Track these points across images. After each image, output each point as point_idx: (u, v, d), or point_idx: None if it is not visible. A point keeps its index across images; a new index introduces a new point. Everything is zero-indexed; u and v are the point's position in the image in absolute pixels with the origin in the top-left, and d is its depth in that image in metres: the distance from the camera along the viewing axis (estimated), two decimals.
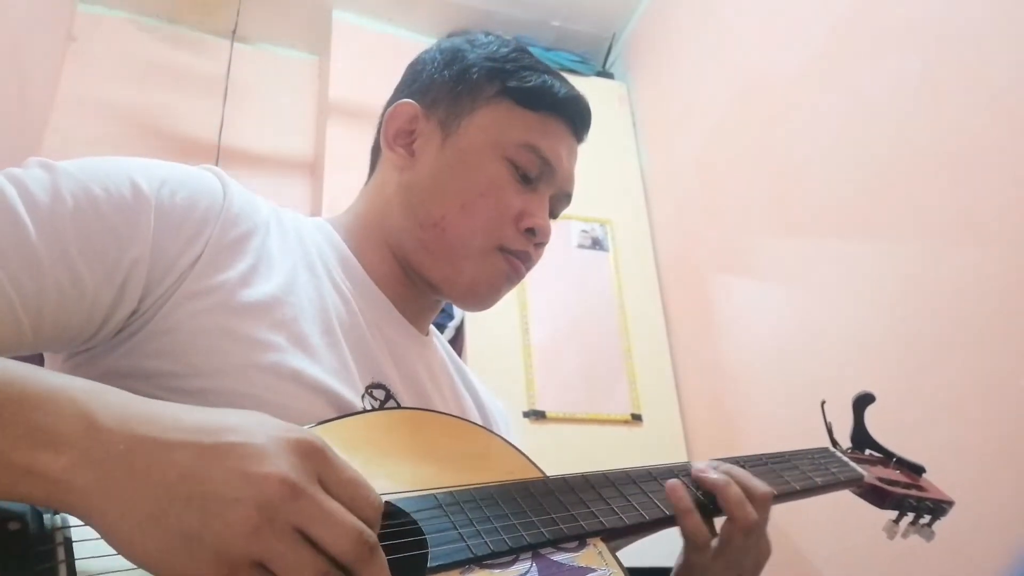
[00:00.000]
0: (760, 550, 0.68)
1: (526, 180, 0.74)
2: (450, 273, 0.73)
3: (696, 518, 0.64)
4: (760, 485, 0.68)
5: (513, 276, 0.75)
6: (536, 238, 0.74)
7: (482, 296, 0.75)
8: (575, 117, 0.78)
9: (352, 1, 2.84)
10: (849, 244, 1.82)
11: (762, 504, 0.66)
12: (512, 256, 0.74)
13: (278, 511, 0.37)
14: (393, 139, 0.77)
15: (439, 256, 0.73)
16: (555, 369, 2.33)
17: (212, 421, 0.40)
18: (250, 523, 0.36)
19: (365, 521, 0.40)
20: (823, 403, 0.91)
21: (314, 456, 0.40)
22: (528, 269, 0.77)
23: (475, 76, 0.76)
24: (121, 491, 0.36)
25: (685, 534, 0.64)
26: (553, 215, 0.79)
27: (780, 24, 2.18)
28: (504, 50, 0.77)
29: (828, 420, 0.91)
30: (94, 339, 0.56)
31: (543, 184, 0.75)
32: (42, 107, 2.42)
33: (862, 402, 0.93)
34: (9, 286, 0.48)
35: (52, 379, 0.39)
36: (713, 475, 0.67)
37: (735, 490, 0.66)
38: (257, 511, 0.36)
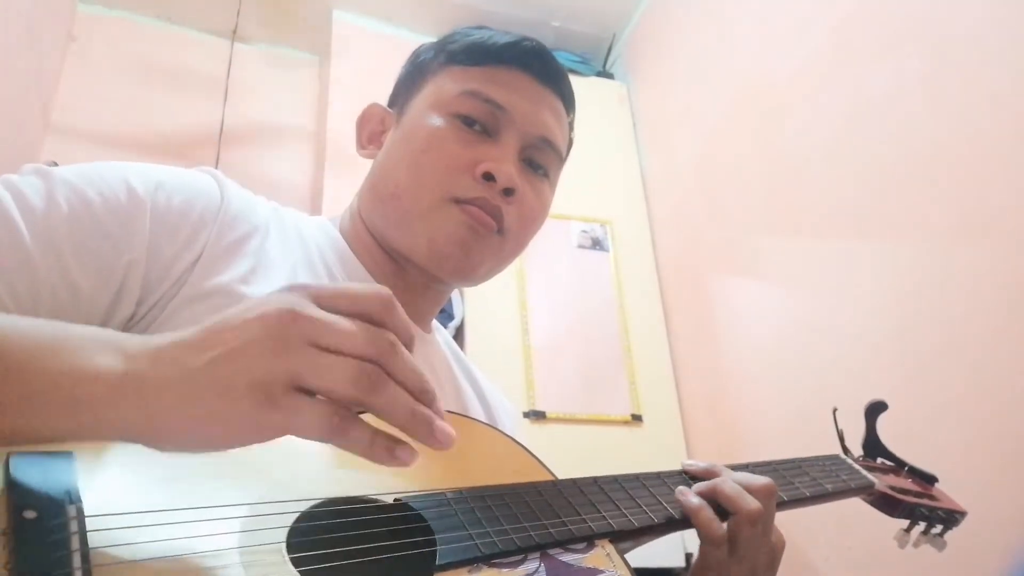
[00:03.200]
0: (772, 544, 0.67)
1: (484, 131, 0.71)
2: (409, 237, 0.70)
3: (707, 513, 0.64)
4: (756, 477, 0.68)
5: (478, 227, 0.69)
6: (498, 184, 0.68)
7: (450, 255, 0.69)
8: (528, 61, 0.73)
9: (352, 1, 2.84)
10: (849, 244, 1.83)
11: (762, 494, 0.66)
12: (470, 205, 0.68)
13: (287, 331, 0.38)
14: (367, 142, 0.79)
15: (399, 224, 0.71)
16: (555, 369, 2.34)
17: (219, 314, 0.42)
18: (268, 347, 0.38)
19: (377, 315, 0.41)
20: (835, 410, 0.89)
21: (299, 289, 0.42)
22: (500, 223, 0.70)
23: (422, 59, 0.78)
24: (156, 387, 0.38)
25: (699, 532, 0.64)
26: (535, 165, 0.74)
27: (780, 24, 2.19)
28: (456, 32, 0.78)
29: (840, 427, 0.90)
30: None
31: (505, 132, 0.71)
32: (42, 107, 2.42)
33: (874, 410, 0.92)
34: (4, 291, 0.49)
35: (80, 327, 0.42)
36: (705, 483, 0.67)
37: (729, 484, 0.65)
38: (270, 337, 0.38)
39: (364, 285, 0.43)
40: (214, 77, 2.78)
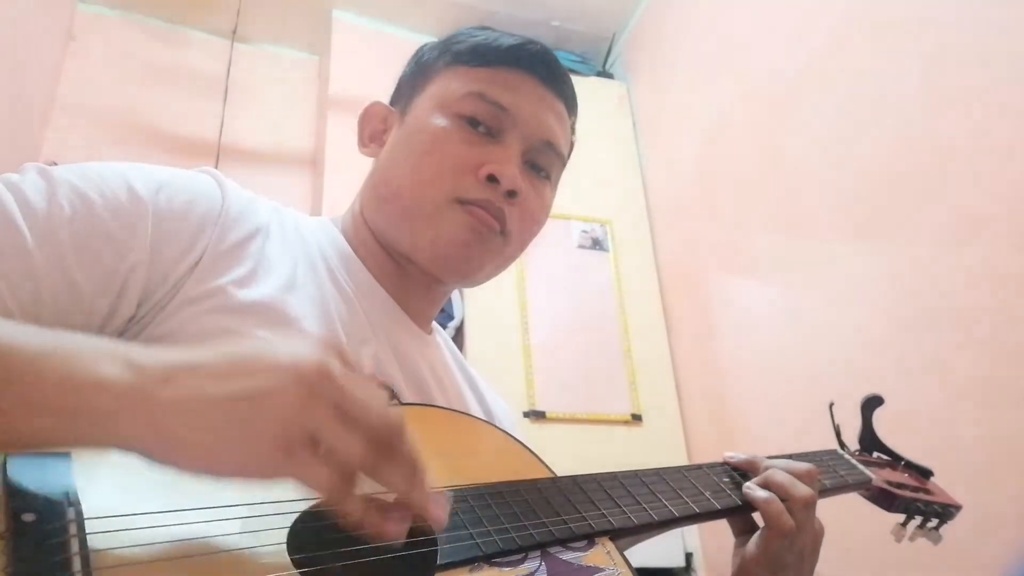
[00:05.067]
0: (815, 528, 0.70)
1: (488, 133, 0.71)
2: (413, 237, 0.70)
3: (777, 506, 0.67)
4: (799, 463, 0.71)
5: (481, 228, 0.69)
6: (502, 186, 0.68)
7: (452, 256, 0.69)
8: (533, 64, 0.73)
9: (352, 1, 2.84)
10: (849, 244, 1.83)
11: (808, 479, 0.69)
12: (472, 206, 0.68)
13: (321, 387, 0.39)
14: (369, 140, 0.79)
15: (402, 223, 0.70)
16: (555, 369, 2.34)
17: (235, 346, 0.42)
18: (299, 396, 0.38)
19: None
20: (831, 404, 0.90)
21: (336, 352, 0.42)
22: (503, 224, 0.70)
23: (426, 58, 0.77)
24: (169, 409, 0.38)
25: (770, 523, 0.67)
26: (537, 167, 0.74)
27: (780, 24, 2.19)
28: (460, 32, 0.77)
29: (836, 422, 0.90)
30: None
31: (509, 134, 0.71)
32: (42, 107, 2.42)
33: (870, 404, 0.93)
34: (7, 293, 0.48)
35: (80, 335, 0.41)
36: (751, 469, 0.71)
37: (781, 473, 0.69)
38: (303, 387, 0.39)
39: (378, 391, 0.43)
40: (214, 77, 2.78)
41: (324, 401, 0.39)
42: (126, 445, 0.38)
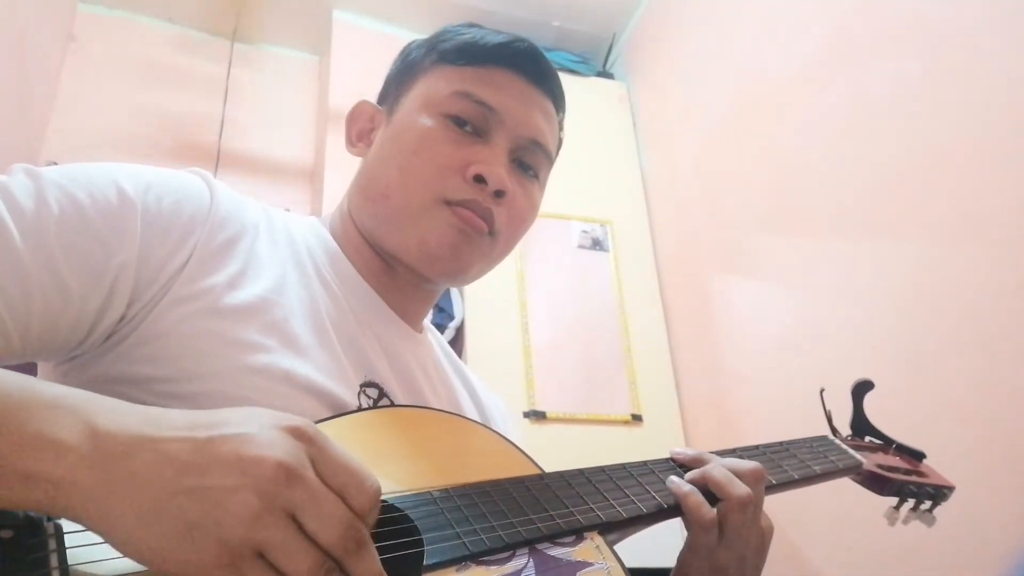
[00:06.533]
0: (761, 529, 0.68)
1: (475, 132, 0.71)
2: (400, 237, 0.70)
3: (696, 498, 0.64)
4: (744, 462, 0.68)
5: (467, 229, 0.69)
6: (489, 186, 0.68)
7: (440, 257, 0.69)
8: (520, 62, 0.73)
9: (352, 1, 2.84)
10: (849, 244, 1.82)
11: (751, 479, 0.67)
12: (459, 207, 0.68)
13: (275, 496, 0.37)
14: (357, 139, 0.79)
15: (389, 224, 0.70)
16: (555, 369, 2.33)
17: (206, 417, 0.41)
18: (250, 509, 0.37)
19: (359, 509, 0.40)
20: (822, 391, 0.90)
21: (307, 440, 0.40)
22: (491, 224, 0.70)
23: (412, 56, 0.78)
24: (122, 489, 0.37)
25: (689, 517, 0.64)
26: (525, 166, 0.74)
27: (780, 24, 2.18)
28: (447, 29, 0.77)
29: (827, 408, 0.90)
30: (83, 346, 0.55)
31: (496, 133, 0.71)
32: (42, 107, 2.42)
33: (861, 389, 0.92)
34: None
35: (49, 388, 0.40)
36: (696, 471, 0.68)
37: (719, 470, 0.66)
38: (256, 496, 0.37)
39: (365, 470, 0.42)
40: (214, 77, 2.78)
41: (279, 510, 0.37)
42: (74, 518, 0.37)
